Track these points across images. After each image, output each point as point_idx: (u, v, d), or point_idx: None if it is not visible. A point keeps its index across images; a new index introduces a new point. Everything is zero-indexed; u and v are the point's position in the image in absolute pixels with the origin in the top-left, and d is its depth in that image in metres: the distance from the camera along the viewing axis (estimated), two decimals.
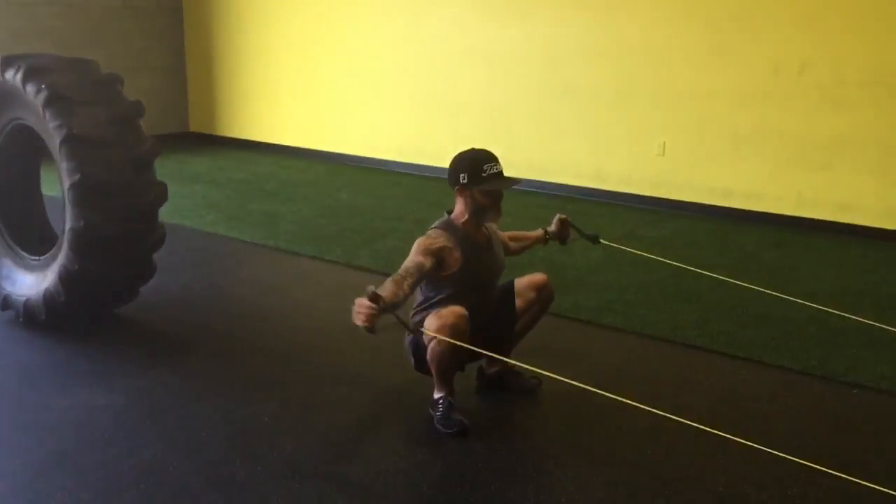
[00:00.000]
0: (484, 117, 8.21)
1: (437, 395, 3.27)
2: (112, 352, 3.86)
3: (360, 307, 2.71)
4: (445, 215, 3.31)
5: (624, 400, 2.71)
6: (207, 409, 3.32)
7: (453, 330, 3.01)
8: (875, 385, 3.70)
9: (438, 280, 3.20)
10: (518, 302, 3.41)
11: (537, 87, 7.79)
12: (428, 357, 3.14)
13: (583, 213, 6.90)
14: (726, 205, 6.95)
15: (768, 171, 6.73)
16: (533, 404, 3.47)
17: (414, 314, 3.30)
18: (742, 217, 6.85)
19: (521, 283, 3.45)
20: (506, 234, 3.57)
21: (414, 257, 3.09)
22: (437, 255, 3.12)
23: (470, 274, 3.19)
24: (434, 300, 3.24)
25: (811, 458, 2.57)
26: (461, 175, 3.15)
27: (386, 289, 2.88)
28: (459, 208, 3.24)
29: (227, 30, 10.04)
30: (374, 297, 2.74)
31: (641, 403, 2.82)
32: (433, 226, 3.24)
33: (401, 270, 3.02)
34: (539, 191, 7.86)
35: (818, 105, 6.41)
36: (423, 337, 3.14)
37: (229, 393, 3.47)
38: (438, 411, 3.23)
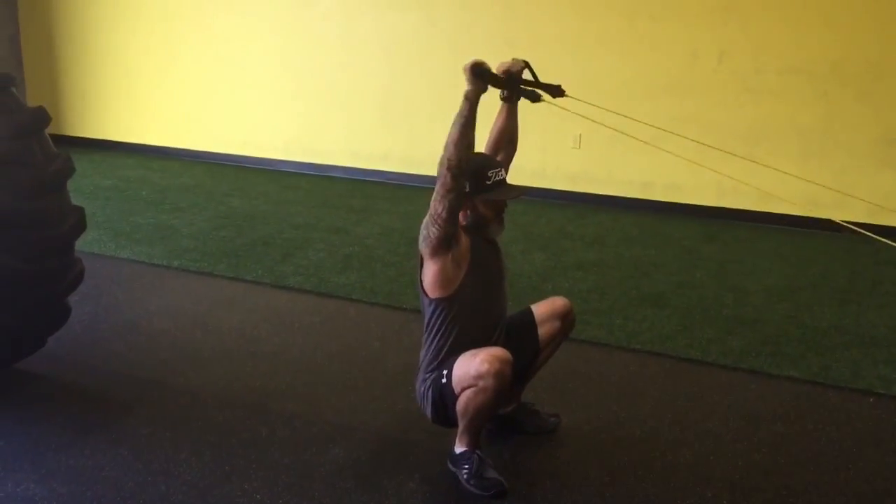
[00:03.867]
0: (382, 111, 7.65)
1: (460, 450, 2.77)
2: (27, 420, 3.07)
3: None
4: None
5: None
6: (179, 493, 2.64)
7: (498, 378, 2.53)
8: (887, 391, 3.53)
9: (446, 303, 2.69)
10: (541, 332, 2.97)
11: (442, 77, 7.30)
12: (461, 407, 2.63)
13: None
14: (646, 197, 6.79)
15: (687, 161, 6.58)
16: (557, 444, 3.03)
17: (429, 365, 2.77)
18: (663, 209, 6.71)
19: (541, 310, 3.01)
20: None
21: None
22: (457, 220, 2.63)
23: (480, 275, 2.72)
24: (446, 336, 2.72)
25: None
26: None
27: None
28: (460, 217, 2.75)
29: (71, 13, 8.87)
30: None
31: (664, 427, 2.94)
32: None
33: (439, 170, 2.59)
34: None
35: (738, 94, 6.34)
36: (453, 383, 2.63)
37: (198, 466, 2.80)
38: (465, 469, 2.73)
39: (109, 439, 2.95)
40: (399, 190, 7.39)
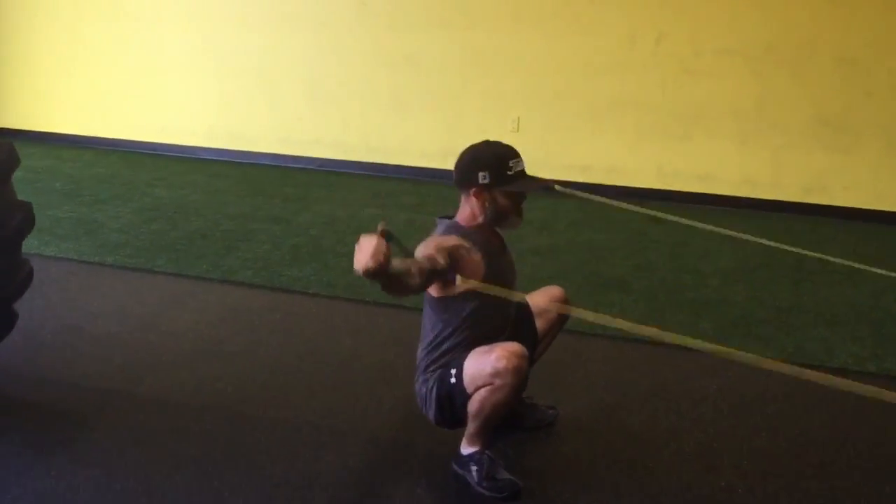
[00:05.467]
0: (311, 94, 7.37)
1: (469, 451, 2.62)
2: None
3: (370, 243, 2.04)
4: (441, 221, 2.65)
5: None
6: None
7: (517, 375, 2.39)
8: (861, 368, 3.57)
9: (453, 303, 2.54)
10: (539, 322, 2.84)
11: (374, 58, 7.09)
12: (475, 407, 2.47)
13: (433, 196, 6.39)
14: (585, 180, 6.75)
15: (627, 143, 6.62)
16: (559, 439, 2.92)
17: (431, 364, 2.60)
18: (602, 192, 6.66)
19: (537, 299, 2.88)
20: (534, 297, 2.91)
21: (424, 251, 2.41)
22: (452, 255, 2.45)
23: (491, 278, 2.55)
24: (453, 335, 2.56)
25: None
26: (481, 174, 2.50)
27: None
28: (469, 212, 2.59)
29: None
30: (387, 234, 2.16)
31: (660, 415, 2.90)
32: (436, 233, 2.56)
33: (424, 252, 2.39)
34: (379, 175, 7.21)
35: (676, 75, 6.38)
36: (465, 383, 2.47)
37: (183, 485, 2.55)
38: (474, 470, 2.59)
39: (76, 458, 2.67)
40: (332, 176, 7.15)
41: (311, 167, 7.44)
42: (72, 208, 5.75)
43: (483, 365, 2.42)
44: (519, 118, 6.79)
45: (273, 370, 3.36)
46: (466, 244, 2.53)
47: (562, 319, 2.90)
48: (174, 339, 3.63)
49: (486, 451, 2.61)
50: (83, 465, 2.63)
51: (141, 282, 4.40)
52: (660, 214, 3.63)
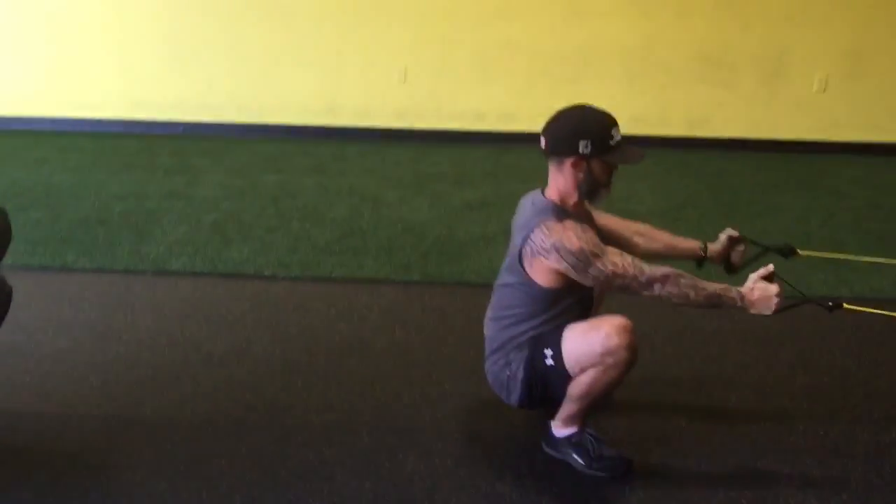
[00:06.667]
0: (168, 51, 6.62)
1: (567, 432, 2.45)
2: None
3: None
4: (535, 199, 2.41)
5: None
6: None
7: (632, 351, 2.23)
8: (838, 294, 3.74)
9: (543, 294, 2.34)
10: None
11: (241, 9, 6.47)
12: (583, 389, 2.28)
13: (329, 156, 6.03)
14: (479, 129, 6.63)
15: (519, 89, 6.54)
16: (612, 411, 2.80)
17: (508, 342, 2.40)
18: (496, 140, 6.59)
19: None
20: (608, 221, 2.64)
21: (613, 250, 2.24)
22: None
23: None
24: (542, 313, 2.37)
25: None
26: (582, 142, 2.28)
27: (699, 280, 2.21)
28: (562, 185, 2.36)
29: None
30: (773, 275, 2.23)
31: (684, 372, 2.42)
32: (546, 216, 2.30)
33: (645, 267, 2.20)
34: (257, 136, 6.67)
35: (564, 17, 6.33)
36: (567, 364, 2.28)
37: None
38: (580, 452, 2.42)
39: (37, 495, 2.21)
40: (205, 142, 6.52)
41: (175, 132, 6.73)
42: None
43: (591, 344, 2.23)
44: (406, 68, 6.48)
45: (283, 369, 2.98)
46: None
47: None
48: (147, 348, 3.13)
49: (587, 430, 2.45)
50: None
51: (61, 283, 3.76)
52: None
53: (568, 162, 2.30)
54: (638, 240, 2.60)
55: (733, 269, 2.68)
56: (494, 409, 2.69)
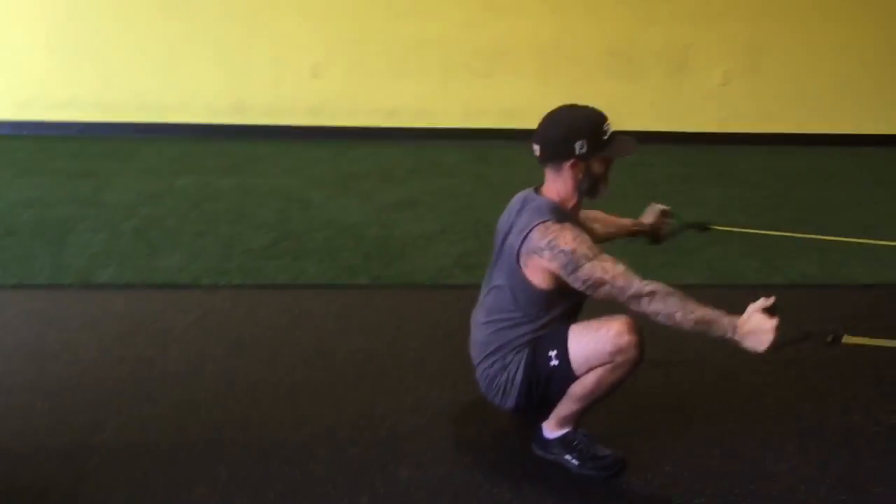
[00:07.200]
0: (57, 46, 6.20)
1: (559, 433, 2.43)
2: None
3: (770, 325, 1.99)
4: (531, 198, 2.37)
5: None
6: None
7: (640, 349, 2.23)
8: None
9: (537, 296, 2.31)
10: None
11: (139, 1, 6.12)
12: (588, 388, 2.26)
13: (241, 156, 5.81)
14: (393, 124, 6.54)
15: (433, 84, 6.50)
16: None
17: (504, 346, 2.35)
18: (413, 136, 6.52)
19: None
20: (587, 214, 2.62)
21: (607, 257, 2.18)
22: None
23: None
24: (539, 316, 2.34)
25: None
26: (578, 143, 2.25)
27: (691, 301, 2.08)
28: (561, 188, 2.33)
29: None
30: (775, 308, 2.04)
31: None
32: (547, 218, 2.26)
33: (636, 280, 2.12)
34: (159, 136, 6.35)
35: (478, 13, 6.33)
36: (573, 364, 2.26)
37: None
38: (573, 453, 2.41)
39: None
40: (105, 143, 6.15)
41: (69, 133, 6.31)
42: None
43: (599, 343, 2.22)
44: (318, 64, 6.32)
45: (246, 383, 2.83)
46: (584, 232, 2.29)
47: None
48: (92, 368, 2.90)
49: (580, 430, 2.43)
50: None
51: None
52: None
53: (566, 165, 2.27)
54: (596, 226, 2.62)
55: (659, 241, 2.80)
56: (475, 413, 2.65)
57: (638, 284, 2.11)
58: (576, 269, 2.16)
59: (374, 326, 3.30)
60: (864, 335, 2.71)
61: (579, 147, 2.25)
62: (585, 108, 2.32)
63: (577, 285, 2.20)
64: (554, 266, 2.21)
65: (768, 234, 3.98)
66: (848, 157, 6.34)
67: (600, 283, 2.13)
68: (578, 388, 2.29)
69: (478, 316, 2.47)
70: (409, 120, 6.54)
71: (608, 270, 2.14)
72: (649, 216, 2.77)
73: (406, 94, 6.47)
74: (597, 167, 2.30)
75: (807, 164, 6.10)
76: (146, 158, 5.74)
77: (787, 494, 2.34)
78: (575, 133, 2.26)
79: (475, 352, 2.46)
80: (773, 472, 2.43)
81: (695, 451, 2.53)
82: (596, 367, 2.24)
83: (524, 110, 6.43)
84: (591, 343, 2.22)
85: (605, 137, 2.27)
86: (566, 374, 2.28)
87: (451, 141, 6.44)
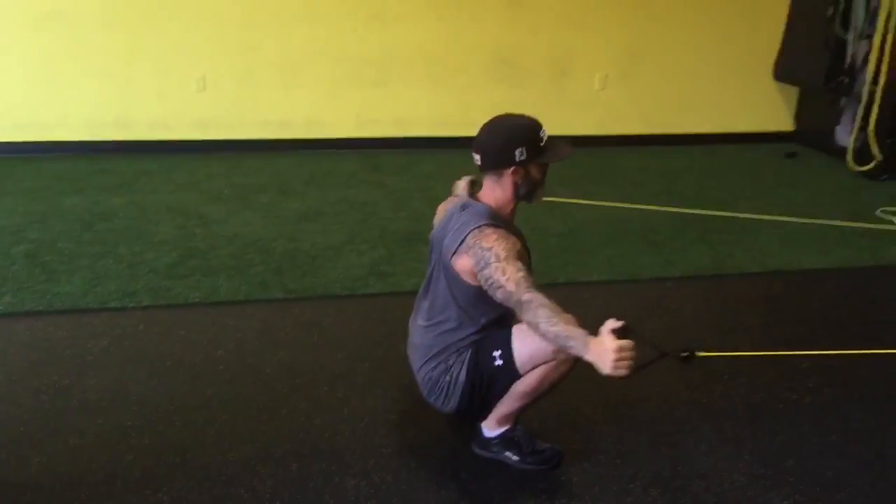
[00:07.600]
0: None
1: (498, 431, 2.53)
2: None
3: (627, 351, 1.97)
4: (470, 205, 2.43)
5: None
6: None
7: None
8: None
9: (474, 295, 2.39)
10: None
11: (9, 11, 5.81)
12: (531, 385, 2.36)
13: (131, 173, 5.62)
14: (285, 136, 6.47)
15: (324, 94, 6.47)
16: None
17: (447, 349, 2.42)
18: (305, 147, 6.46)
19: None
20: None
21: (515, 263, 2.21)
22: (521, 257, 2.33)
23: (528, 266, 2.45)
24: (481, 317, 2.42)
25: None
26: (518, 150, 2.35)
27: (561, 316, 2.08)
28: (500, 195, 2.41)
29: None
30: (626, 330, 2.00)
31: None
32: (484, 223, 2.33)
33: (522, 287, 2.16)
34: (35, 155, 6.04)
35: (364, 22, 6.34)
36: (518, 363, 2.34)
37: None
38: (513, 449, 2.51)
39: None
40: None
41: None
42: None
43: (543, 342, 2.31)
44: (205, 76, 6.18)
45: (173, 406, 2.77)
46: (515, 236, 2.36)
47: None
48: (4, 400, 2.76)
49: (518, 427, 2.53)
50: None
51: None
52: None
53: (507, 172, 2.35)
54: None
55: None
56: (412, 418, 2.71)
57: (520, 292, 2.14)
58: (484, 266, 2.23)
59: (297, 340, 3.29)
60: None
61: (519, 154, 2.33)
62: (521, 116, 2.42)
63: (483, 284, 2.25)
64: (472, 263, 2.28)
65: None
66: (717, 154, 6.76)
67: (497, 286, 2.19)
68: (521, 387, 2.37)
69: (418, 320, 2.52)
70: (301, 132, 6.48)
71: (506, 273, 2.18)
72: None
73: (297, 105, 6.41)
74: (535, 172, 2.40)
75: (684, 163, 6.46)
76: (24, 178, 5.45)
77: (712, 473, 2.51)
78: (514, 141, 2.34)
79: (416, 355, 2.51)
80: (694, 453, 2.61)
81: (623, 438, 2.67)
82: (540, 364, 2.33)
83: (416, 118, 6.57)
84: (535, 342, 2.29)
85: (542, 144, 2.38)
86: (510, 374, 2.36)
87: (345, 151, 6.44)
